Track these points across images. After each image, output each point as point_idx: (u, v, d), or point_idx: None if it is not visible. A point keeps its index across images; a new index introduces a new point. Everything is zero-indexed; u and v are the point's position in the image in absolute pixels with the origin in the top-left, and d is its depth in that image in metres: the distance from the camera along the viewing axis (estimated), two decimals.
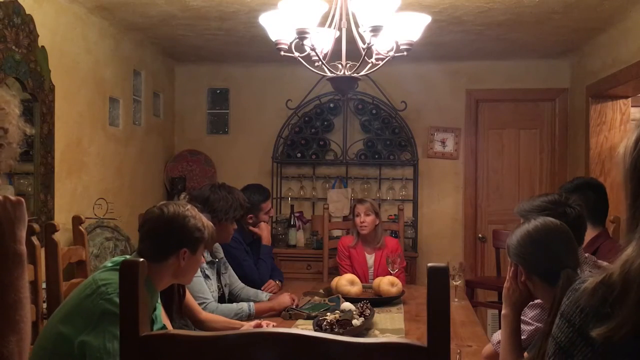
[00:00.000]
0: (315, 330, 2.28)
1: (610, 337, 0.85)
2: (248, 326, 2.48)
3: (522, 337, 1.76)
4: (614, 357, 0.87)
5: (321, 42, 2.60)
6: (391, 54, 2.58)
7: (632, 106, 4.35)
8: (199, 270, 2.63)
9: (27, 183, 3.18)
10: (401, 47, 2.54)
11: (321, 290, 3.15)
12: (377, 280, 3.11)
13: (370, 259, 3.65)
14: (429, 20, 2.58)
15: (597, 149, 4.29)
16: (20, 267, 1.12)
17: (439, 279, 0.86)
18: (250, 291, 3.09)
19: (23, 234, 1.14)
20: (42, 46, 3.16)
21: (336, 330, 2.28)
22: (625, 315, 0.84)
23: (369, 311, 2.54)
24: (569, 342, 0.91)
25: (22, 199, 1.16)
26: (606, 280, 0.89)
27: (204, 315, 2.55)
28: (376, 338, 2.10)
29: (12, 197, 1.14)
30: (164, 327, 1.95)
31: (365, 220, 3.57)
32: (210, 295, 2.72)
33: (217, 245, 2.95)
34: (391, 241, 3.77)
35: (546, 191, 4.68)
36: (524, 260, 1.67)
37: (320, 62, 2.61)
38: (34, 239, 2.41)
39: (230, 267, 3.09)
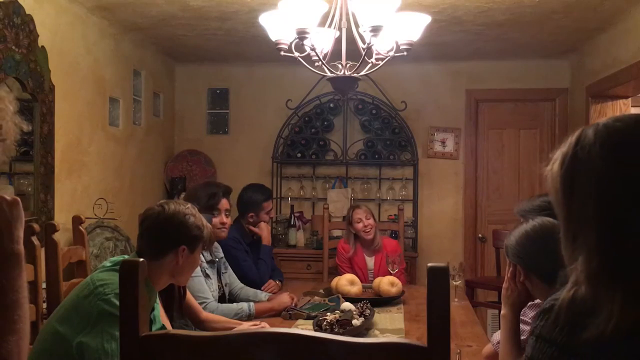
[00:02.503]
0: (315, 330, 2.28)
1: (601, 334, 0.87)
2: (246, 326, 2.48)
3: (522, 337, 1.76)
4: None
5: (321, 42, 2.60)
6: (391, 54, 2.58)
7: (632, 106, 4.35)
8: (199, 269, 2.64)
9: (27, 183, 3.18)
10: (401, 47, 2.54)
11: (321, 290, 3.14)
12: (377, 280, 3.11)
13: (370, 261, 3.64)
14: (429, 20, 2.58)
15: None
16: (18, 267, 1.12)
17: (439, 279, 0.86)
18: (250, 291, 3.09)
19: (20, 233, 1.14)
20: (42, 46, 3.16)
21: (336, 330, 2.29)
22: (608, 311, 0.87)
23: (369, 311, 2.54)
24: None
25: (18, 199, 1.15)
26: (577, 295, 0.93)
27: (205, 315, 2.55)
28: (376, 338, 2.10)
29: (8, 197, 1.14)
30: (163, 327, 1.96)
31: (369, 224, 3.56)
32: (211, 295, 2.72)
33: (216, 244, 2.95)
34: (390, 242, 3.76)
35: (546, 191, 4.67)
36: (522, 261, 1.67)
37: (320, 62, 2.61)
38: (34, 239, 2.41)
39: (230, 267, 3.09)
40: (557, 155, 1.02)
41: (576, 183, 0.97)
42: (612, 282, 0.89)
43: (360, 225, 3.57)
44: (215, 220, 2.87)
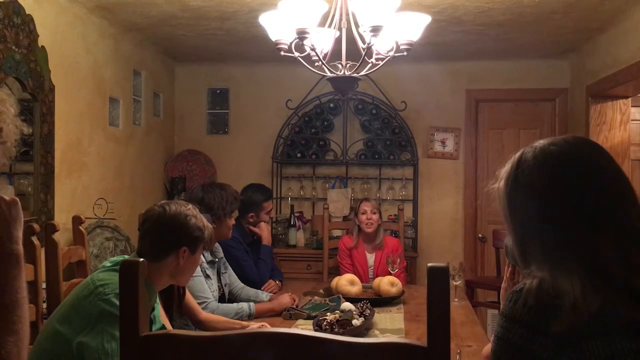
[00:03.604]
0: (315, 330, 2.28)
1: (570, 324, 0.93)
2: (250, 326, 2.48)
3: None
4: (576, 342, 0.94)
5: (321, 42, 2.60)
6: (391, 54, 2.58)
7: (632, 106, 4.35)
8: (199, 269, 2.64)
9: (27, 183, 3.18)
10: (401, 47, 2.54)
11: (321, 290, 3.15)
12: (377, 280, 3.11)
13: (371, 258, 3.67)
14: (429, 20, 2.58)
15: None
16: (17, 267, 1.12)
17: (439, 279, 0.86)
18: (251, 291, 3.09)
19: (19, 233, 1.14)
20: (42, 46, 3.16)
21: (336, 330, 2.28)
22: (571, 300, 0.94)
23: (369, 311, 2.54)
24: (526, 340, 0.97)
25: (17, 199, 1.15)
26: (543, 281, 0.99)
27: (204, 315, 2.55)
28: (376, 338, 2.10)
29: (7, 197, 1.14)
30: (163, 327, 1.96)
31: (372, 218, 3.63)
32: (211, 295, 2.72)
33: (216, 245, 2.95)
34: (391, 241, 3.79)
35: None
36: None
37: (320, 62, 2.61)
38: (34, 239, 2.41)
39: (229, 267, 3.09)
40: (502, 174, 1.17)
41: (519, 202, 1.10)
42: (566, 279, 0.98)
43: (363, 217, 3.64)
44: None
